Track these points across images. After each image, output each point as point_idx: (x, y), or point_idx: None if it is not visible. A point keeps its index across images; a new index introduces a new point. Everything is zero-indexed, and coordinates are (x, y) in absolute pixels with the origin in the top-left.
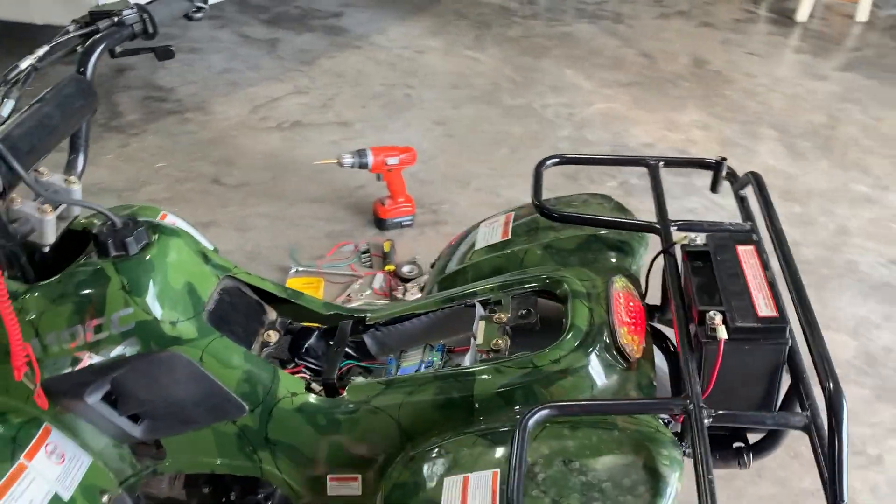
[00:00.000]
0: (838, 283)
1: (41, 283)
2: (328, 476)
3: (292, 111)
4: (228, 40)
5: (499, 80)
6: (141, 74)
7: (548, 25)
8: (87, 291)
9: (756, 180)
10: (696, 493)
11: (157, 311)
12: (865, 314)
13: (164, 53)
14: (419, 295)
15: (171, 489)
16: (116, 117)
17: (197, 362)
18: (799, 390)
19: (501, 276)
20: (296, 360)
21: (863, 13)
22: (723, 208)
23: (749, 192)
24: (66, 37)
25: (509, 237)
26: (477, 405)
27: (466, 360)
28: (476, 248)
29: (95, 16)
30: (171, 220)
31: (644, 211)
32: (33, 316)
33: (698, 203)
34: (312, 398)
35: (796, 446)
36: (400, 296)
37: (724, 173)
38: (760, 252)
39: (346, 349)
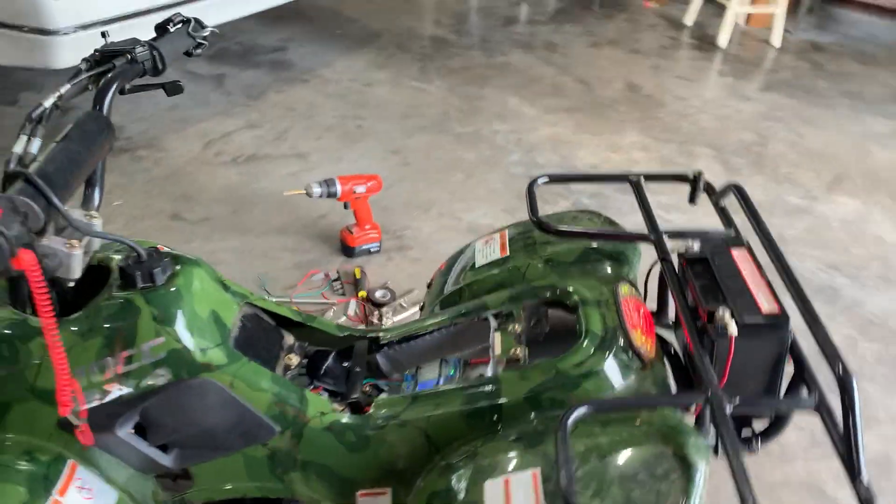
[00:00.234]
0: (783, 288)
1: (68, 318)
2: (359, 492)
3: (246, 145)
4: (173, 77)
5: (447, 110)
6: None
7: (486, 56)
8: (117, 324)
9: (738, 190)
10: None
11: (187, 339)
12: None
13: (174, 89)
14: (395, 319)
15: None
16: None
17: (227, 388)
18: (804, 377)
19: (510, 289)
20: (314, 382)
21: (776, 38)
22: (669, 222)
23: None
24: (85, 75)
25: (508, 253)
26: (504, 412)
27: (489, 371)
28: (477, 265)
29: (107, 54)
30: None
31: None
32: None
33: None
34: (341, 416)
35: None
36: (375, 321)
37: (702, 185)
38: (752, 254)
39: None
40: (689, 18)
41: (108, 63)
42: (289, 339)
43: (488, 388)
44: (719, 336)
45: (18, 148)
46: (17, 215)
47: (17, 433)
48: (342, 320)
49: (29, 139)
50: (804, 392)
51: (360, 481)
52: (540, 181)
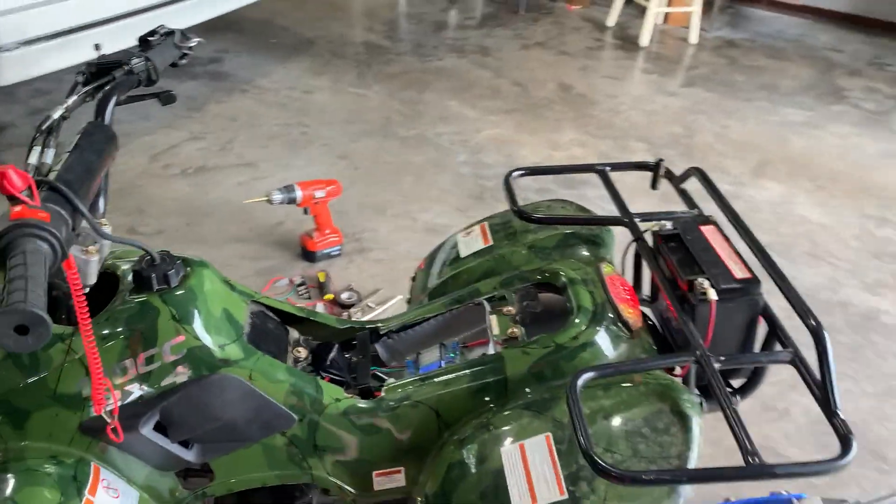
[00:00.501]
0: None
1: None
2: (374, 472)
3: (193, 157)
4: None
5: (389, 114)
6: (24, 132)
7: (422, 61)
8: (138, 325)
9: (700, 172)
10: None
11: (205, 337)
12: None
13: (168, 98)
14: (364, 319)
15: None
16: None
17: (247, 381)
18: (777, 334)
19: (500, 275)
20: (321, 373)
21: (693, 36)
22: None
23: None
24: (89, 87)
25: (491, 242)
26: (510, 386)
27: (490, 350)
28: (462, 256)
29: (103, 66)
30: None
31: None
32: (81, 355)
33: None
34: (356, 401)
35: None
36: None
37: (662, 172)
38: (720, 229)
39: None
40: (612, 20)
41: (107, 75)
42: (293, 333)
43: (493, 364)
44: (700, 302)
45: (33, 159)
46: (61, 220)
47: (37, 440)
48: None
49: (42, 150)
50: (778, 347)
51: (376, 462)
52: (515, 174)
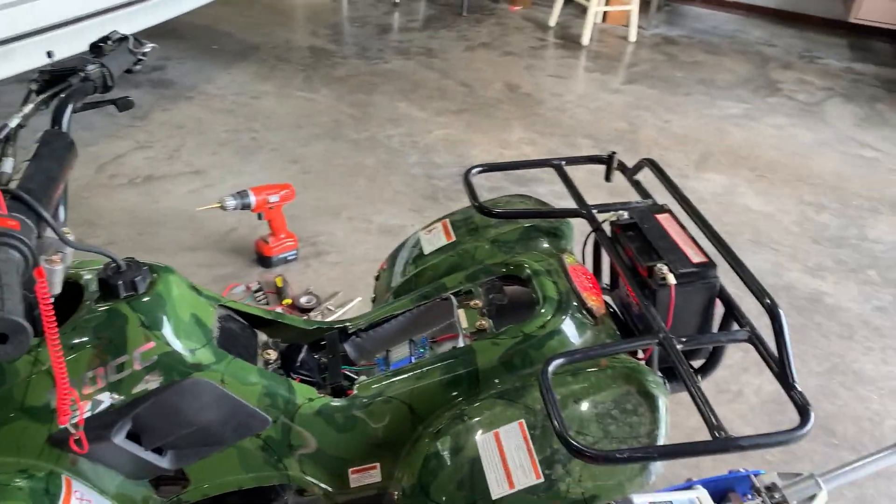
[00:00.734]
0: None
1: None
2: (350, 469)
3: (140, 166)
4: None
5: (339, 117)
6: None
7: (369, 64)
8: (106, 333)
9: (652, 163)
10: None
11: (175, 342)
12: None
13: (125, 104)
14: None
15: None
16: None
17: (219, 385)
18: (733, 314)
19: (465, 270)
20: (291, 374)
21: (632, 34)
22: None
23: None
24: (44, 95)
25: (454, 238)
26: (481, 377)
27: (459, 343)
28: (426, 253)
29: (58, 73)
30: None
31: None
32: (49, 366)
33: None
34: (329, 400)
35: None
36: None
37: (615, 165)
38: (674, 217)
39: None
40: (553, 20)
41: (62, 82)
42: (262, 336)
43: (464, 356)
44: (660, 287)
45: None
46: (29, 228)
47: (5, 454)
48: None
49: (0, 160)
50: (735, 327)
51: (351, 459)
52: (475, 171)
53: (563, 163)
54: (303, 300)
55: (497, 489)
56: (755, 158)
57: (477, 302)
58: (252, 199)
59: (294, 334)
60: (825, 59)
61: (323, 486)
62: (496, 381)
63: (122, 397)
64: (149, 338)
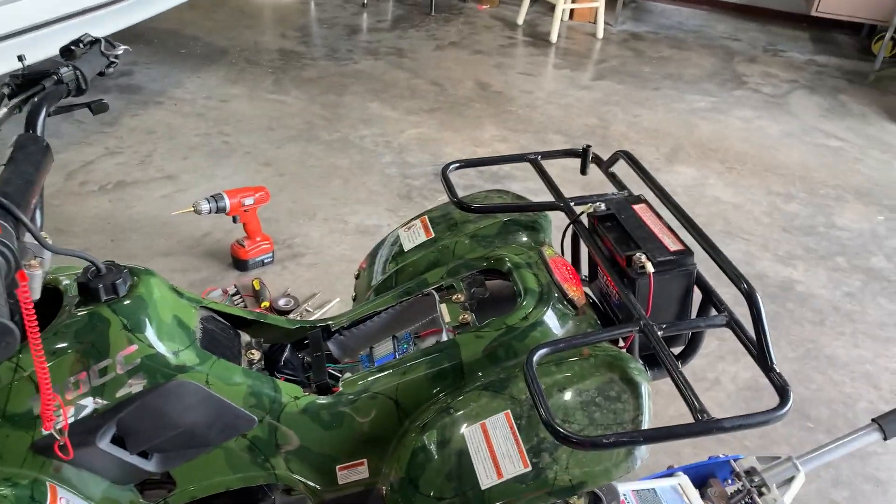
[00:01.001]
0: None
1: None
2: (337, 467)
3: (111, 172)
4: None
5: (311, 119)
6: None
7: (339, 65)
8: (88, 337)
9: (627, 155)
10: None
11: (158, 344)
12: None
13: (100, 107)
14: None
15: None
16: None
17: (204, 386)
18: (711, 300)
19: (446, 265)
20: (275, 374)
21: (600, 31)
22: None
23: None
24: (17, 99)
25: (434, 235)
26: (466, 370)
27: (443, 338)
28: (406, 250)
29: (31, 76)
30: None
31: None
32: (30, 372)
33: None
34: (315, 398)
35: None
36: None
37: (590, 158)
38: (651, 207)
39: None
40: (521, 18)
41: (36, 85)
42: (245, 337)
43: (448, 350)
44: (639, 275)
45: None
46: (10, 233)
47: None
48: None
49: None
50: (713, 312)
51: (338, 456)
52: (452, 167)
53: (539, 157)
54: (281, 302)
55: (486, 479)
56: (724, 151)
57: (459, 296)
58: (226, 202)
59: (277, 334)
60: (789, 52)
61: (311, 484)
62: (480, 373)
63: (106, 401)
64: (131, 341)
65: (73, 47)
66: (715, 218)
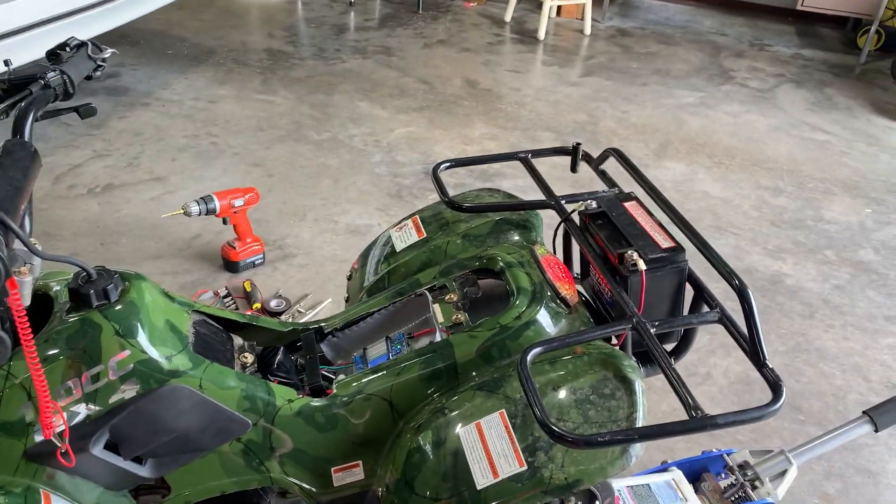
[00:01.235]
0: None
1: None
2: (332, 469)
3: (99, 175)
4: None
5: (299, 119)
6: None
7: (327, 64)
8: (80, 343)
9: (617, 153)
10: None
11: (151, 349)
12: None
13: (88, 111)
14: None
15: None
16: None
17: (198, 390)
18: (703, 296)
19: (438, 265)
20: (269, 377)
21: (587, 27)
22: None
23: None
24: (4, 104)
25: (425, 235)
26: (460, 370)
27: (437, 338)
28: (397, 250)
29: (17, 81)
30: None
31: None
32: (22, 380)
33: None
34: (309, 401)
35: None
36: None
37: (580, 155)
38: (641, 204)
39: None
40: (508, 15)
41: (23, 90)
42: (237, 340)
43: (442, 350)
44: (631, 273)
45: None
46: (1, 240)
47: None
48: None
49: None
50: (705, 309)
51: (333, 458)
52: (443, 166)
53: (529, 155)
54: (272, 304)
55: (482, 479)
56: (712, 145)
57: (452, 296)
58: (216, 203)
59: (269, 337)
60: (775, 46)
61: (306, 486)
62: (475, 373)
63: (99, 407)
64: (124, 346)
65: (59, 51)
66: (704, 213)
